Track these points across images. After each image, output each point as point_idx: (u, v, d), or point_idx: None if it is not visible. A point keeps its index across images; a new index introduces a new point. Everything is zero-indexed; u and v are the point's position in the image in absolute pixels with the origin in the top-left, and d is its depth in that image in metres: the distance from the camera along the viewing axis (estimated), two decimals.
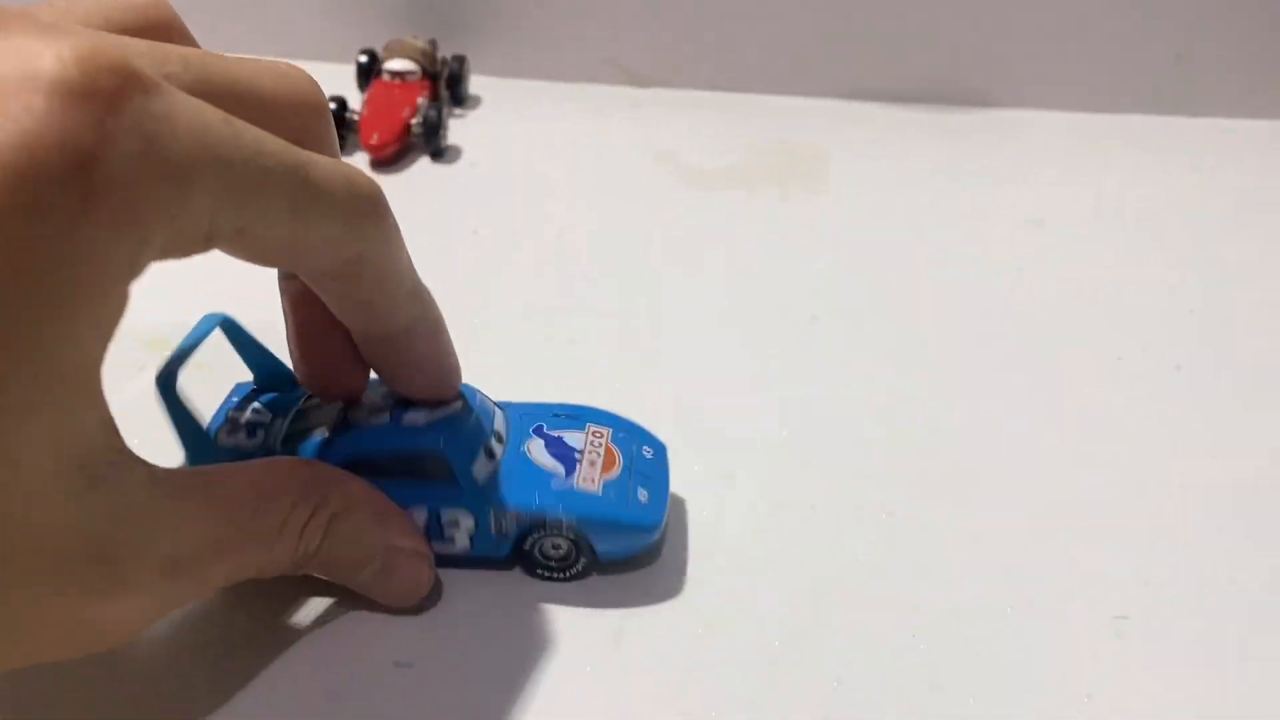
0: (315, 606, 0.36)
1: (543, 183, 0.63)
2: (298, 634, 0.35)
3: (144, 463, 0.27)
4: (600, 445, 0.38)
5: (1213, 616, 0.37)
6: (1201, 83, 0.73)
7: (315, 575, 0.34)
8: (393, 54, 0.67)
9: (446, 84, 0.69)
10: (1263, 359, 0.50)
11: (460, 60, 0.71)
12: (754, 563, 0.38)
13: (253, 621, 0.35)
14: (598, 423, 0.39)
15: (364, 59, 0.69)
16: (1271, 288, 0.56)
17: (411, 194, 0.61)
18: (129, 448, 0.27)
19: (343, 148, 0.64)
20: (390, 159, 0.63)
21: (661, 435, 0.40)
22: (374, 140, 0.62)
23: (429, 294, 0.34)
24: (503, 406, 0.39)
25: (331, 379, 0.36)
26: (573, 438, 0.38)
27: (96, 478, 0.25)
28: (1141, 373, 0.49)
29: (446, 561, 0.36)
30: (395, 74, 0.66)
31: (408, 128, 0.64)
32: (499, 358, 0.41)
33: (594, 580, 0.37)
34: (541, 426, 0.38)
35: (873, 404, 0.46)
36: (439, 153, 0.65)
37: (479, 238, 0.57)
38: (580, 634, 0.35)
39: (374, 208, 0.29)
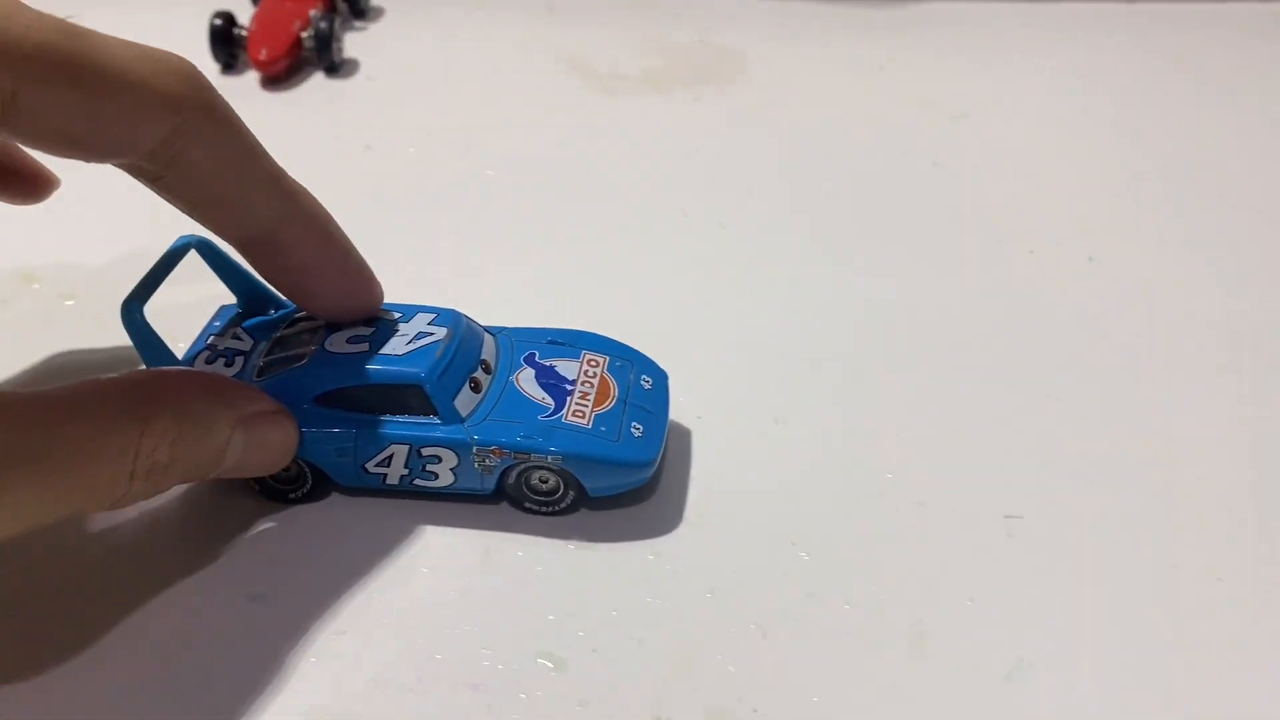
0: (162, 539, 0.34)
1: (444, 95, 0.61)
2: (146, 568, 0.33)
3: None
4: (595, 375, 0.35)
5: (1105, 517, 0.35)
6: None
7: (183, 484, 0.32)
8: None
9: None
10: (1179, 250, 0.49)
11: None
12: None
13: (106, 556, 0.34)
14: (595, 350, 0.37)
15: None
16: (1194, 175, 0.54)
17: (301, 111, 0.58)
18: None
19: (233, 66, 0.61)
20: (281, 74, 0.60)
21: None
22: (262, 55, 0.59)
23: (305, 191, 0.31)
24: (494, 332, 0.37)
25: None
26: (566, 367, 0.35)
27: None
28: (1053, 266, 0.48)
29: (428, 495, 0.35)
30: None
31: (299, 41, 0.60)
32: (393, 279, 0.39)
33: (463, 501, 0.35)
34: (534, 355, 0.36)
35: (772, 305, 0.45)
36: (334, 67, 0.62)
37: (371, 154, 0.55)
38: (447, 555, 0.34)
39: (184, 78, 0.28)
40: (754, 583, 0.33)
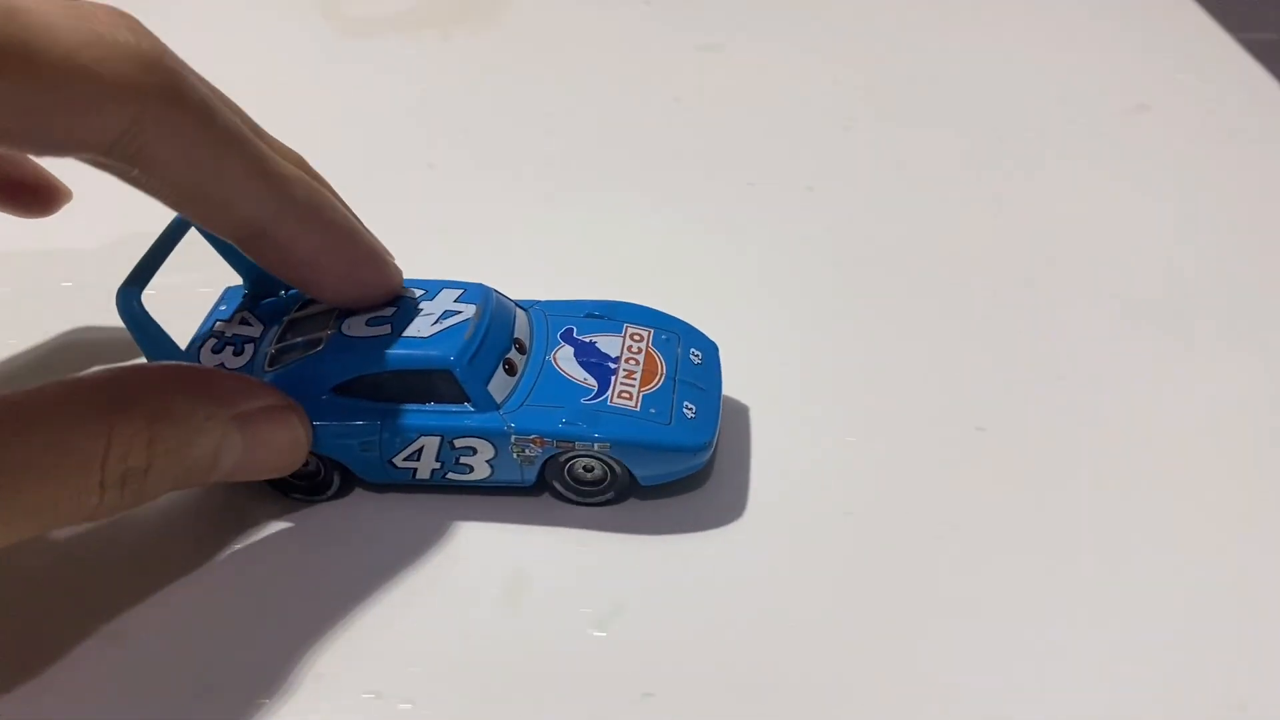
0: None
1: (183, 40, 0.58)
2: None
3: None
4: (640, 351, 0.33)
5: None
6: None
7: (172, 492, 0.29)
8: None
9: None
10: (894, 176, 0.48)
11: None
12: None
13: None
14: (637, 323, 0.34)
15: None
16: (927, 98, 0.54)
17: None
18: None
19: None
20: None
21: None
22: None
23: (301, 177, 0.29)
24: (526, 306, 0.34)
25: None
26: (608, 343, 0.33)
27: None
28: (772, 196, 0.46)
29: (465, 490, 0.33)
30: None
31: None
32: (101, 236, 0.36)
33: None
34: (571, 330, 0.33)
35: (491, 246, 0.44)
36: None
37: None
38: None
39: (141, 64, 0.24)
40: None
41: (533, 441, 0.31)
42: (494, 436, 0.31)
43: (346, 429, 0.31)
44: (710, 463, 0.34)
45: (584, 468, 0.32)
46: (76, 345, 0.38)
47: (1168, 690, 0.28)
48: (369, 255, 0.31)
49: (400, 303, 0.32)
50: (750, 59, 0.58)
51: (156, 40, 0.25)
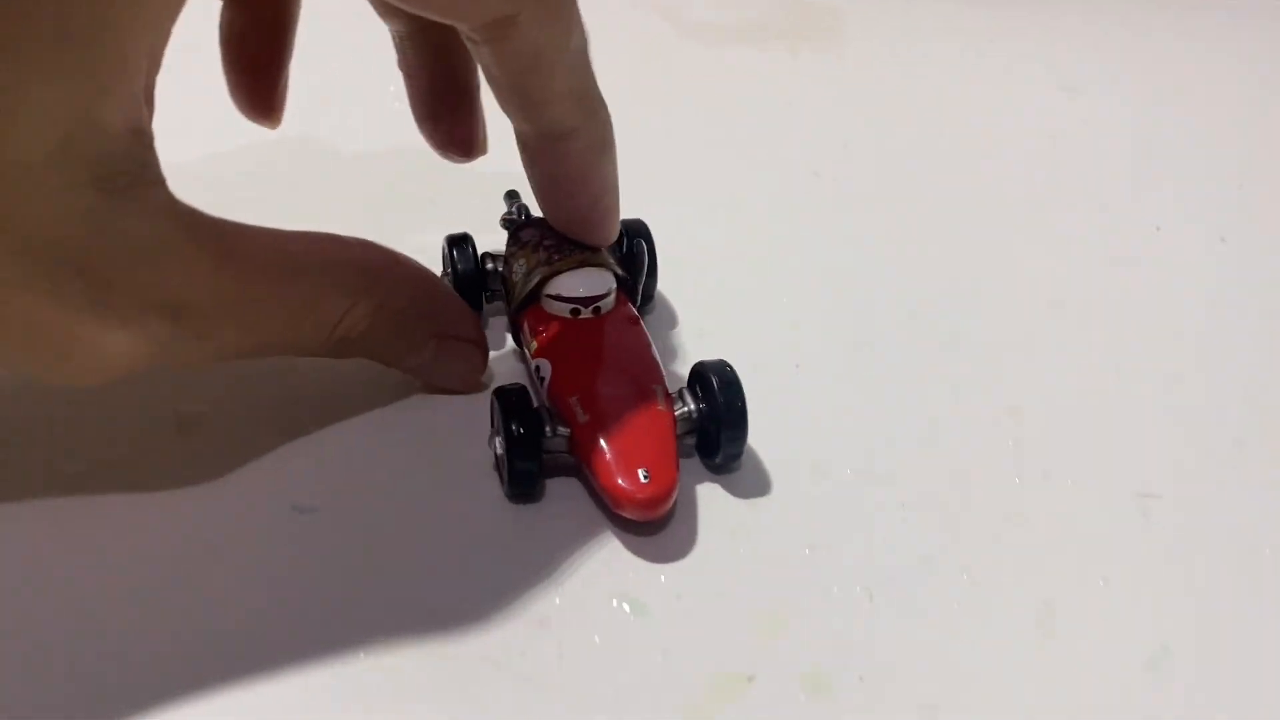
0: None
1: None
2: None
3: (168, 192, 0.24)
4: None
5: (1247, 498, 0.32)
6: None
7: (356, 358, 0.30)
8: None
9: None
10: None
11: None
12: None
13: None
14: None
15: None
16: None
17: None
18: (159, 169, 0.23)
19: None
20: None
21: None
22: None
23: (604, 111, 0.30)
24: None
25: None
26: None
27: (107, 185, 0.22)
28: (1182, 243, 0.44)
29: None
30: None
31: None
32: None
33: None
34: None
35: (873, 271, 0.41)
36: None
37: None
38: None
39: None
40: (859, 544, 0.29)
41: None
42: None
43: None
44: None
45: None
46: None
47: None
48: (608, 208, 0.32)
49: None
50: (1114, 103, 0.54)
51: None
